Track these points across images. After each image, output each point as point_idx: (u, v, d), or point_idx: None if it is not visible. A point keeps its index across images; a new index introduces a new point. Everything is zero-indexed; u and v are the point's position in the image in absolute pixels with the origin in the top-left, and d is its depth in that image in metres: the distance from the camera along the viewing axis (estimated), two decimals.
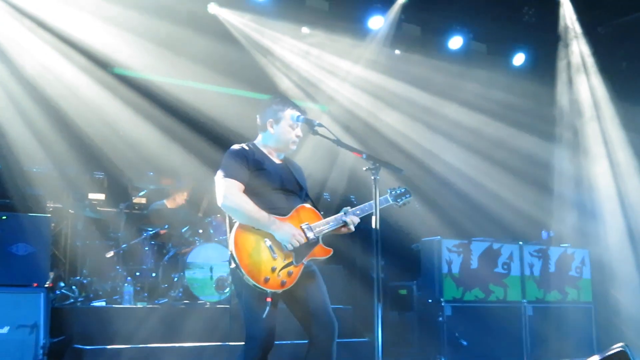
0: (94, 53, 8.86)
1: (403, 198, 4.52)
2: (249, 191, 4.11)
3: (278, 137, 4.34)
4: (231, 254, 3.94)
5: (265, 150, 4.34)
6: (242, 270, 3.88)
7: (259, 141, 4.40)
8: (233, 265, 3.93)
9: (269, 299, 3.91)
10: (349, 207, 4.33)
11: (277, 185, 4.21)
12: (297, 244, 4.04)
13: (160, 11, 8.78)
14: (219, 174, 4.13)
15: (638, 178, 10.48)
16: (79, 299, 7.49)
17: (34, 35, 8.54)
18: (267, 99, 4.53)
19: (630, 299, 9.74)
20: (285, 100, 4.42)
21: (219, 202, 4.07)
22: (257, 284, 3.89)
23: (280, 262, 4.00)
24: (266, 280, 3.91)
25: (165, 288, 7.66)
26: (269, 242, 4.01)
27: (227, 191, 4.04)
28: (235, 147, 4.27)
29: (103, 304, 7.26)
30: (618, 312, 9.54)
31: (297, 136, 4.37)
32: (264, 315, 3.89)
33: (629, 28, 10.46)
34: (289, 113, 4.31)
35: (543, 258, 9.37)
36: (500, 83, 10.70)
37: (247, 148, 4.27)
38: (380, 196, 4.37)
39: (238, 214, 4.03)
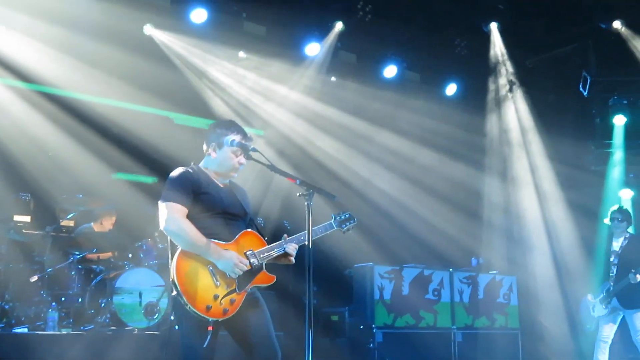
0: (22, 70, 8.63)
1: (347, 224, 4.47)
2: (192, 215, 4.02)
3: (220, 162, 4.22)
4: (172, 281, 3.83)
5: (209, 174, 4.24)
6: (184, 297, 3.79)
7: (202, 164, 4.31)
8: (174, 292, 3.83)
9: (210, 328, 3.83)
10: (285, 235, 4.29)
11: (220, 209, 4.12)
12: (240, 272, 3.96)
13: (94, 30, 8.64)
14: (163, 196, 4.02)
15: (563, 207, 10.83)
16: (0, 325, 7.20)
17: None
18: (212, 123, 4.44)
19: (555, 325, 10.00)
20: (230, 125, 4.29)
21: (161, 225, 3.97)
22: (198, 312, 3.81)
23: (222, 290, 3.92)
24: (208, 309, 3.84)
25: (92, 314, 7.45)
26: (211, 269, 3.93)
27: (170, 215, 3.95)
28: (179, 170, 4.15)
29: (25, 330, 7.01)
30: (543, 338, 9.78)
31: (240, 163, 4.25)
32: (205, 345, 3.81)
33: (555, 62, 10.88)
34: (231, 138, 4.20)
35: (472, 285, 9.54)
36: (433, 112, 10.94)
37: (190, 171, 4.16)
38: (324, 222, 4.39)
39: (180, 239, 3.93)
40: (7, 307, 7.48)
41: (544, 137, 11.21)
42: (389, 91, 10.67)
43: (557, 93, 11.43)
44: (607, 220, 7.63)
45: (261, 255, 4.12)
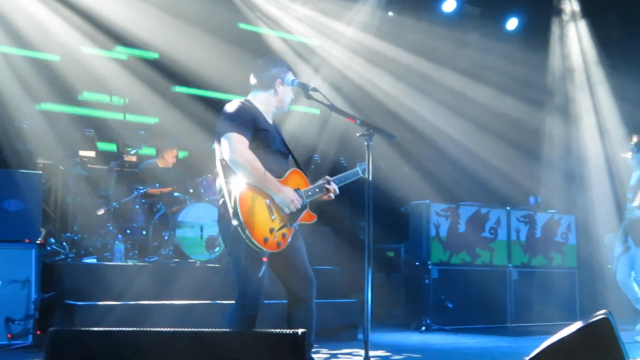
0: (87, 11, 8.77)
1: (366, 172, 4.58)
2: (251, 150, 4.06)
3: (282, 97, 4.32)
4: (235, 213, 3.88)
5: (261, 109, 4.28)
6: (246, 229, 3.87)
7: (254, 98, 4.32)
8: (235, 222, 3.87)
9: (265, 259, 3.96)
10: (327, 177, 4.41)
11: (276, 147, 4.22)
12: (294, 209, 4.08)
13: None
14: (225, 126, 4.06)
15: (626, 146, 10.57)
16: (70, 255, 7.52)
17: None
18: (269, 58, 4.50)
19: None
20: (285, 62, 4.42)
21: (227, 156, 4.00)
22: (257, 244, 3.91)
23: (277, 224, 4.03)
24: (265, 241, 3.95)
25: (155, 246, 7.71)
26: (268, 203, 4.02)
27: (237, 146, 3.99)
28: (236, 103, 4.19)
29: (94, 260, 7.30)
30: (602, 278, 9.71)
31: (292, 98, 4.42)
32: (260, 274, 3.94)
33: None
34: (291, 76, 4.32)
35: (530, 223, 9.49)
36: (493, 48, 10.67)
37: (248, 105, 4.22)
38: (351, 169, 4.54)
39: (245, 171, 3.97)
40: (75, 238, 7.80)
41: (608, 74, 10.87)
42: (447, 26, 10.44)
43: (622, 28, 11.00)
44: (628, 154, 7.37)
45: (307, 194, 4.24)
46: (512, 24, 10.99)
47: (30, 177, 6.43)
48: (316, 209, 4.34)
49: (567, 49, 11.25)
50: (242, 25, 10.08)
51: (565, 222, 9.83)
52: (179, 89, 9.63)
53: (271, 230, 3.99)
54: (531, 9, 11.00)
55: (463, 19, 10.65)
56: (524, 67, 10.83)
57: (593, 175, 10.82)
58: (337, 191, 4.37)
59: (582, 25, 11.02)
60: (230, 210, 3.92)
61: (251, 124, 4.09)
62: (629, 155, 7.46)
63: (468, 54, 10.71)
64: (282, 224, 4.06)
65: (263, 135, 4.15)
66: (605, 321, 2.93)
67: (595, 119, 11.01)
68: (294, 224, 4.14)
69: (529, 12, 11.03)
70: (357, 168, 4.53)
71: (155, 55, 9.59)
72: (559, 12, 11.12)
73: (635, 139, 7.38)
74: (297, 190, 4.18)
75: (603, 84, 10.94)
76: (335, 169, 4.48)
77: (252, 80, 4.36)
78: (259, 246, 3.92)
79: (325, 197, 4.37)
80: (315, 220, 4.30)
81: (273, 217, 4.02)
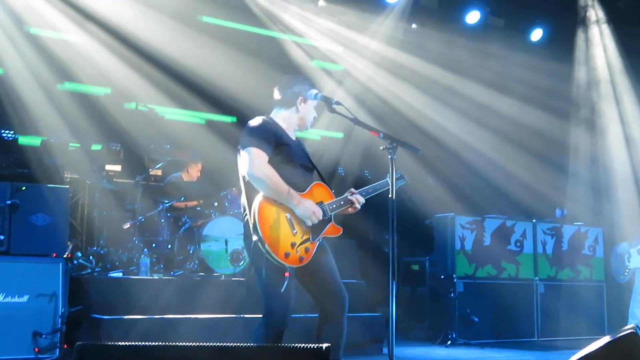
0: (111, 25, 8.89)
1: (398, 182, 4.54)
2: (271, 164, 4.09)
3: (304, 115, 4.37)
4: (254, 228, 3.91)
5: (283, 126, 4.33)
6: (266, 244, 3.89)
7: (276, 116, 4.38)
8: (255, 237, 3.91)
9: (287, 274, 3.95)
10: (352, 189, 4.41)
11: (299, 161, 4.25)
12: (317, 221, 4.08)
13: None
14: (245, 142, 4.10)
15: None
16: (96, 269, 7.58)
17: (50, 6, 8.58)
18: (291, 76, 4.54)
19: None
20: (309, 80, 4.46)
21: (246, 171, 4.03)
22: (278, 259, 3.91)
23: (299, 238, 4.03)
24: (287, 256, 3.95)
25: (180, 260, 7.74)
26: (289, 217, 4.03)
27: (256, 161, 4.02)
28: (259, 119, 4.25)
29: (120, 274, 7.35)
30: (630, 291, 9.57)
31: (314, 117, 4.45)
32: (282, 290, 3.93)
33: None
34: (313, 93, 4.34)
35: (556, 236, 9.40)
36: (518, 59, 10.62)
37: (270, 121, 4.27)
38: (380, 180, 4.51)
39: (264, 185, 4.00)
40: (102, 252, 7.86)
41: (635, 84, 10.75)
42: (471, 38, 10.41)
43: None
44: None
45: (331, 207, 4.23)
46: (536, 34, 10.92)
47: (57, 191, 6.47)
48: (341, 223, 4.33)
49: (592, 59, 11.15)
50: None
51: (592, 234, 9.72)
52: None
53: (292, 245, 3.99)
54: (556, 19, 10.92)
55: (487, 31, 10.61)
56: (548, 78, 10.76)
57: (620, 186, 10.68)
58: (363, 201, 4.35)
59: (608, 34, 10.92)
60: (251, 226, 3.94)
61: (272, 139, 4.12)
62: None
63: (492, 65, 10.65)
64: (304, 238, 4.06)
65: (285, 149, 4.18)
66: (633, 335, 2.89)
67: (621, 129, 10.88)
68: (318, 238, 4.13)
69: (553, 23, 10.95)
70: (387, 179, 4.51)
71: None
72: (584, 21, 11.03)
73: None
74: (320, 203, 4.18)
75: (629, 94, 10.82)
76: (359, 182, 4.47)
77: (276, 95, 4.41)
78: (280, 261, 3.92)
79: (351, 209, 4.36)
80: (340, 233, 4.29)
81: (294, 231, 4.02)
